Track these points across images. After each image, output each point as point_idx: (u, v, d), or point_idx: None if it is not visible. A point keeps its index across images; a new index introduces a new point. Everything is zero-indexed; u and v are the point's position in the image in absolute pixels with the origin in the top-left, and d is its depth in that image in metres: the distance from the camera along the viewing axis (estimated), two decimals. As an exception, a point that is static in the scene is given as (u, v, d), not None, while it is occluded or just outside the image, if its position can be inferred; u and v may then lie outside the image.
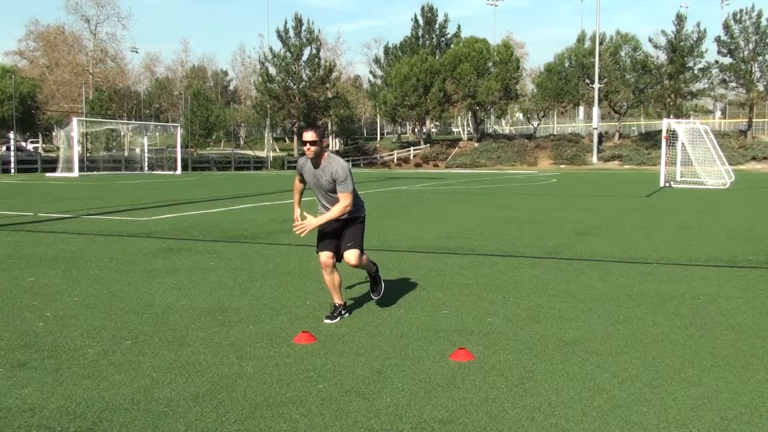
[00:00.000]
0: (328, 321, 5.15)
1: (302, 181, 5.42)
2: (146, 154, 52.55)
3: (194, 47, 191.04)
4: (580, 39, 70.81)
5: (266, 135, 75.23)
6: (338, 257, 5.26)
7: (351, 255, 5.16)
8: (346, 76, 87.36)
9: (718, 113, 78.38)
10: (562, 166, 62.24)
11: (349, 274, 7.13)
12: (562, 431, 3.17)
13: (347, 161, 5.21)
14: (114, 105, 70.63)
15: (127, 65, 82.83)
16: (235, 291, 6.26)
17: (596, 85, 63.77)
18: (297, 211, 5.43)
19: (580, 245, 9.59)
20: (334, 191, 5.11)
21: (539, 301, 5.91)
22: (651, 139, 65.56)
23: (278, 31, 70.27)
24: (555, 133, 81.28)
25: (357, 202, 5.31)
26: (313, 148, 4.99)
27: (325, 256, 5.20)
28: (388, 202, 18.34)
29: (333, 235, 5.25)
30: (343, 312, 5.29)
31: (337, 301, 5.30)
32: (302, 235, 5.10)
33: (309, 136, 4.98)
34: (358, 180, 34.67)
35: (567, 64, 70.59)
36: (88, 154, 52.20)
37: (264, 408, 3.41)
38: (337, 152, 74.44)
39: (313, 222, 5.05)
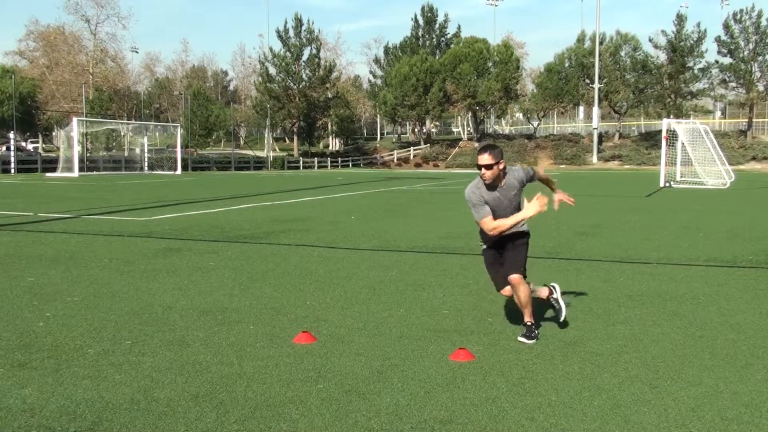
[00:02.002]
0: (523, 340, 4.62)
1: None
2: (146, 154, 52.58)
3: (194, 47, 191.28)
4: (580, 39, 70.84)
5: (266, 135, 75.24)
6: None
7: (515, 279, 4.65)
8: (346, 76, 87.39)
9: (718, 113, 78.40)
10: (562, 166, 62.27)
11: (349, 274, 7.13)
12: (562, 431, 3.17)
13: None
14: (114, 105, 70.70)
15: (127, 65, 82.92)
16: (235, 291, 6.26)
17: (596, 85, 63.79)
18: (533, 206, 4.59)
19: (580, 245, 9.59)
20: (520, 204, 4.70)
21: (539, 301, 5.90)
22: (651, 139, 65.58)
23: (278, 31, 70.35)
24: (555, 133, 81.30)
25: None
26: (488, 173, 4.54)
27: (507, 290, 4.83)
28: (389, 203, 18.34)
29: (499, 263, 4.89)
30: (535, 330, 4.71)
31: (527, 319, 4.73)
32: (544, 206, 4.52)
33: (485, 159, 4.49)
34: (358, 180, 34.67)
35: (567, 64, 70.64)
36: (88, 154, 52.22)
37: (264, 408, 3.41)
38: (337, 152, 74.44)
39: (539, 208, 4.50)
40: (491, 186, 4.64)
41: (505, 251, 4.85)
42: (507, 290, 4.85)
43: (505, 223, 4.62)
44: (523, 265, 4.78)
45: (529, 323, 4.71)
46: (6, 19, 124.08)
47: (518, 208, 4.76)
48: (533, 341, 4.60)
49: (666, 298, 6.02)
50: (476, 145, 72.22)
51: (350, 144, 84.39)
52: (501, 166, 4.60)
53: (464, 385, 3.77)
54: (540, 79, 72.34)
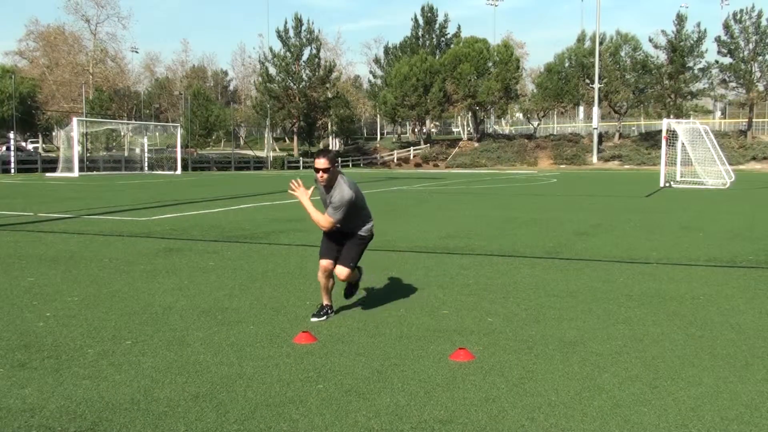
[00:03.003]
0: (314, 319, 5.20)
1: None
2: (146, 154, 52.58)
3: (194, 47, 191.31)
4: (580, 39, 70.82)
5: (266, 135, 75.23)
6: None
7: (342, 271, 5.22)
8: (346, 76, 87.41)
9: (718, 113, 78.41)
10: (562, 166, 62.25)
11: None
12: (562, 431, 3.17)
13: (353, 184, 5.20)
14: (114, 105, 70.72)
15: (127, 65, 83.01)
16: (235, 291, 6.26)
17: (596, 85, 63.77)
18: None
19: (580, 245, 9.59)
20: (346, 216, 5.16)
21: (539, 301, 5.91)
22: (651, 139, 65.57)
23: (278, 31, 70.35)
24: (555, 133, 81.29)
25: (362, 222, 5.29)
26: (325, 175, 5.00)
27: (326, 263, 5.24)
28: (388, 203, 18.34)
29: (335, 244, 5.29)
30: (329, 312, 5.34)
31: (325, 302, 5.36)
32: (289, 191, 5.25)
33: (321, 163, 4.98)
34: (359, 180, 34.66)
35: (567, 64, 70.62)
36: (88, 154, 52.21)
37: (264, 408, 3.41)
38: (337, 152, 74.45)
39: (303, 198, 5.13)
40: (326, 187, 5.13)
41: (344, 246, 5.30)
42: (326, 264, 5.23)
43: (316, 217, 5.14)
44: (355, 261, 5.29)
45: (325, 304, 5.31)
46: (6, 19, 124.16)
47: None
48: (323, 318, 5.21)
49: (666, 298, 6.02)
50: (476, 144, 72.22)
51: (350, 144, 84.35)
52: (335, 169, 5.08)
53: (464, 385, 3.77)
54: (540, 79, 72.32)
